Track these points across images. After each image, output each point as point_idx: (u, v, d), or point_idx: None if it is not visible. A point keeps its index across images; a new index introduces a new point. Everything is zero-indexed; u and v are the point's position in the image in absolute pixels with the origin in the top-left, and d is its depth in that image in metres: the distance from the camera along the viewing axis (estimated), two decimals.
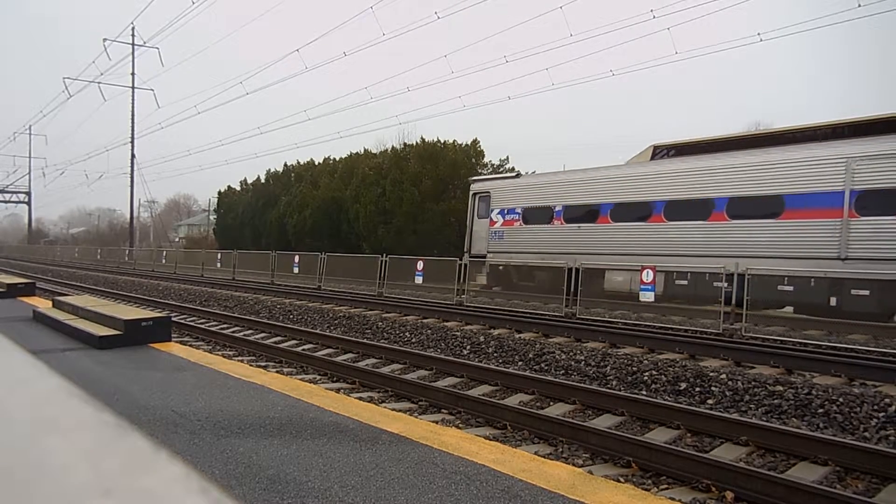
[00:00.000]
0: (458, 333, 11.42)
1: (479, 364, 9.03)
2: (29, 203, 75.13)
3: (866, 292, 11.52)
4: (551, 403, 7.14)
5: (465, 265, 16.77)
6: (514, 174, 20.66)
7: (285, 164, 43.61)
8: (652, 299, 12.79)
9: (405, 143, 38.33)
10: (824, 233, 12.65)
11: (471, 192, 20.49)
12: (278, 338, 11.89)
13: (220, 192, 47.16)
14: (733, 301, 11.34)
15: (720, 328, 11.21)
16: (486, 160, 34.92)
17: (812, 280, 12.20)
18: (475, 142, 36.76)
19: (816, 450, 5.24)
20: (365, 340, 11.20)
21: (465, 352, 10.42)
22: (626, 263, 14.86)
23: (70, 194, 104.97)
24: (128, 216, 48.52)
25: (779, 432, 5.61)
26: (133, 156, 43.76)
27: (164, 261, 34.95)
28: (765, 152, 13.95)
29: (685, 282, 13.70)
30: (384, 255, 19.87)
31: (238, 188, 45.47)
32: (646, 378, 8.14)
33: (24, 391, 0.58)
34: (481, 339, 10.87)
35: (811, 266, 12.13)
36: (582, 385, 7.63)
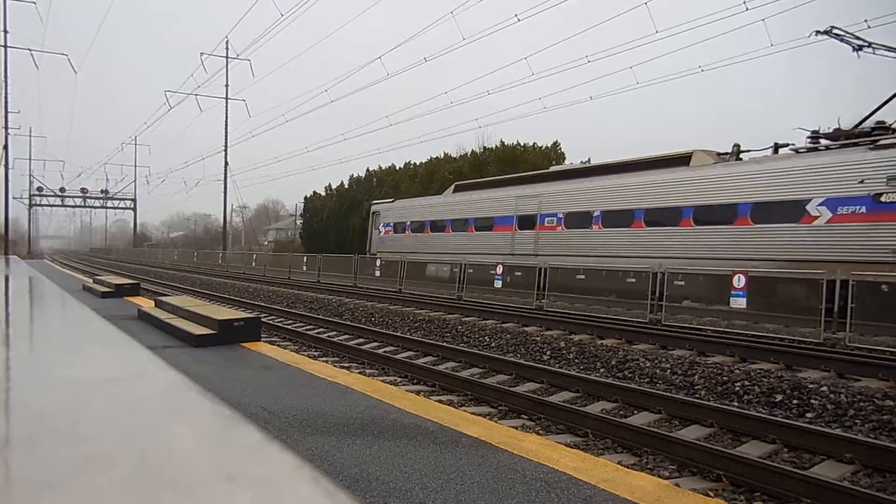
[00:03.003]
0: (538, 338, 11.31)
1: (560, 370, 8.91)
2: (134, 209, 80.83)
3: (520, 273, 18.63)
4: (635, 412, 6.94)
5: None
6: (391, 199, 29.72)
7: (368, 170, 44.76)
8: (743, 305, 12.18)
9: (485, 147, 38.40)
10: (506, 240, 21.37)
11: (371, 211, 29.97)
12: (361, 339, 12.21)
13: (306, 198, 48.96)
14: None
15: (821, 337, 10.50)
16: (567, 161, 34.47)
17: (499, 265, 19.49)
18: (556, 144, 36.27)
19: None
20: (445, 344, 11.29)
21: (545, 357, 10.31)
22: (439, 259, 23.00)
23: (170, 200, 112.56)
24: (221, 220, 51.21)
25: (890, 451, 5.20)
26: (226, 163, 46.11)
27: (254, 263, 36.67)
28: (488, 192, 22.98)
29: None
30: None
31: (323, 193, 47.09)
32: (737, 388, 7.75)
33: (150, 383, 0.64)
34: (562, 344, 10.72)
35: (501, 259, 19.90)
36: (668, 394, 7.37)
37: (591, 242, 18.35)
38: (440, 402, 6.49)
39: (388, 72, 27.39)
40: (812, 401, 7.11)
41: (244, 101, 48.62)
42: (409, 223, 26.92)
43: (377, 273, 24.69)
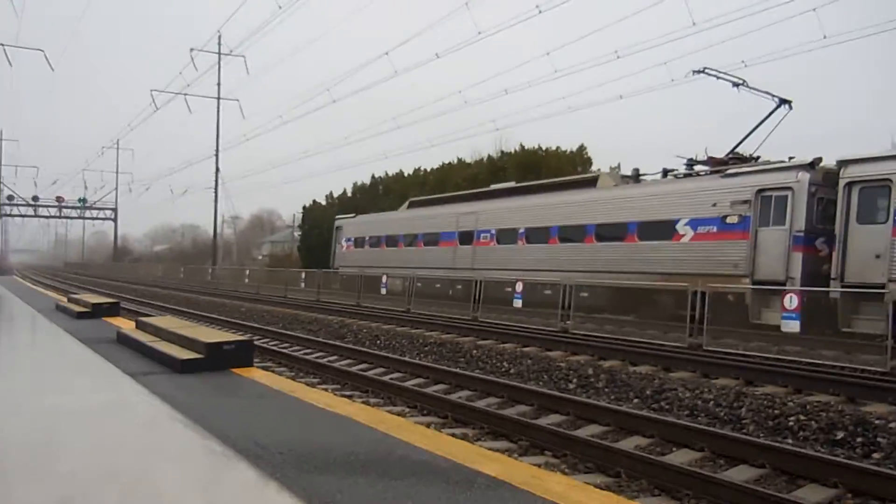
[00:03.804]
0: (563, 364, 11.29)
1: (588, 400, 8.86)
2: (115, 220, 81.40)
3: (460, 286, 22.81)
4: (674, 449, 6.86)
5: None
6: (353, 215, 34.13)
7: (373, 176, 45.02)
8: (797, 329, 12.06)
9: (502, 151, 38.58)
10: (449, 254, 25.48)
11: (334, 226, 34.62)
12: (364, 365, 12.23)
13: (304, 207, 49.27)
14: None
15: (887, 366, 10.35)
16: (594, 167, 34.50)
17: (439, 283, 24.44)
18: (582, 148, 36.31)
19: None
20: (458, 370, 11.28)
21: (571, 386, 10.28)
22: (400, 272, 26.47)
23: (155, 211, 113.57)
24: (211, 233, 51.58)
25: None
26: (217, 169, 46.44)
27: (246, 280, 36.97)
28: (437, 209, 27.67)
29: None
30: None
31: (324, 202, 47.40)
32: (791, 424, 7.65)
33: (132, 414, 0.64)
34: (590, 371, 10.70)
35: (444, 272, 24.78)
36: (711, 429, 7.29)
37: (518, 257, 22.35)
38: (453, 435, 6.47)
39: (397, 69, 27.46)
40: (879, 439, 6.99)
41: (238, 101, 48.96)
42: (367, 238, 31.45)
43: (383, 291, 24.98)
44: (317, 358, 12.92)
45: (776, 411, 8.00)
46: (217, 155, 46.52)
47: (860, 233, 14.09)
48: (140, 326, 11.38)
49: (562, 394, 9.30)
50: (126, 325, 12.80)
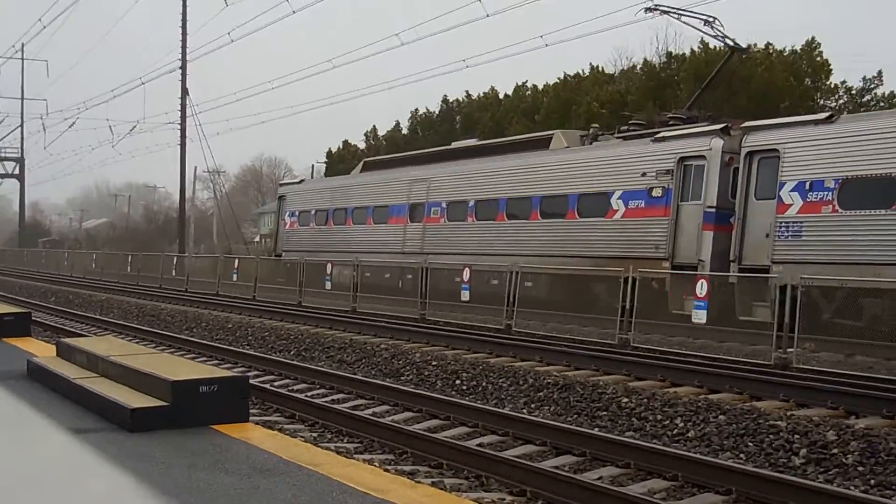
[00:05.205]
0: (783, 424, 11.04)
1: (826, 486, 8.69)
2: (21, 177, 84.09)
3: (410, 276, 28.02)
4: None
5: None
6: (299, 181, 41.57)
7: (444, 100, 45.20)
8: None
9: (669, 54, 38.02)
10: (399, 235, 32.20)
11: (278, 196, 41.82)
12: (434, 421, 12.34)
13: (329, 153, 49.99)
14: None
15: None
16: (833, 81, 33.56)
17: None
18: (811, 46, 35.14)
19: None
20: (596, 432, 11.26)
21: (798, 460, 10.09)
22: (343, 260, 32.00)
23: (84, 162, 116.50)
24: (176, 198, 52.81)
25: None
26: (185, 92, 47.48)
27: (234, 276, 37.67)
28: (389, 172, 34.74)
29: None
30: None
31: (362, 144, 47.99)
32: None
33: (78, 490, 0.67)
34: (830, 435, 10.44)
35: (392, 258, 31.69)
36: None
37: (467, 238, 28.46)
38: None
39: None
40: None
41: None
42: (314, 212, 38.36)
43: (465, 294, 24.75)
44: (353, 408, 13.12)
45: None
46: (183, 68, 47.55)
47: (757, 209, 19.54)
48: (64, 353, 11.77)
49: (779, 475, 9.14)
50: (42, 351, 13.28)
